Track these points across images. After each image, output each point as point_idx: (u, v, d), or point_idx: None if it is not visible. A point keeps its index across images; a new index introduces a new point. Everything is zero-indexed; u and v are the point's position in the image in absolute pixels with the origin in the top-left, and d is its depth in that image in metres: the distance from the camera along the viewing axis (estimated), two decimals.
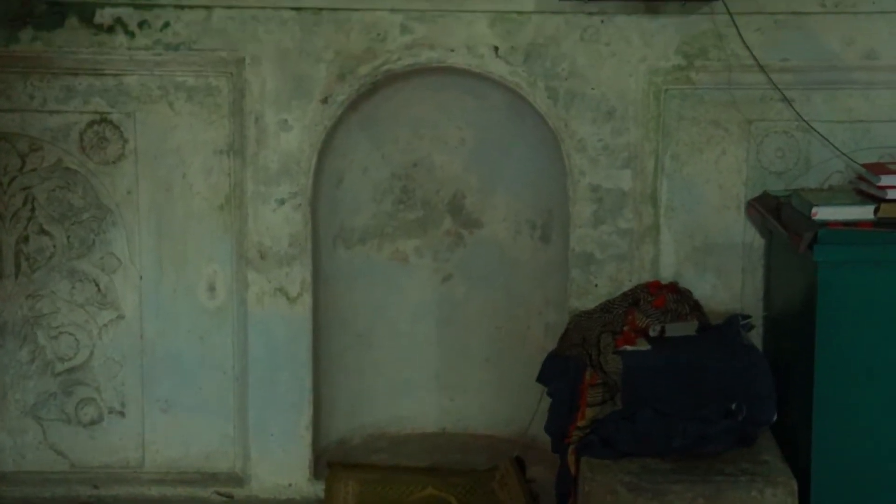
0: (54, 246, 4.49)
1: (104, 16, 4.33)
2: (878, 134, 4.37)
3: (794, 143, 4.42)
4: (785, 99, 4.34)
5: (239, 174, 4.46)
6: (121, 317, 4.55)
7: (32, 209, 4.46)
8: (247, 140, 4.44)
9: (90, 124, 4.41)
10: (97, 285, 4.53)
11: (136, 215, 4.48)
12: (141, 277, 4.53)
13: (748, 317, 4.30)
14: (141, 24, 4.34)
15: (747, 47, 4.29)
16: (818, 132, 4.35)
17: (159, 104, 4.41)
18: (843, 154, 4.34)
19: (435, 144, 4.77)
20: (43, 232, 4.48)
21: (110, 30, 4.34)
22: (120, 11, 4.33)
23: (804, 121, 4.34)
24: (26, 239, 4.49)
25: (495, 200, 4.83)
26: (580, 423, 3.95)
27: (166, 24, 4.35)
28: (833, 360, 3.75)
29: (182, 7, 4.34)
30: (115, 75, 4.38)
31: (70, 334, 4.56)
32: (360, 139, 4.68)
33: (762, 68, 4.31)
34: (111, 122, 4.42)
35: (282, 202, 4.47)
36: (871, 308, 3.77)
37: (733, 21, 4.26)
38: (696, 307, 4.33)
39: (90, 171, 4.45)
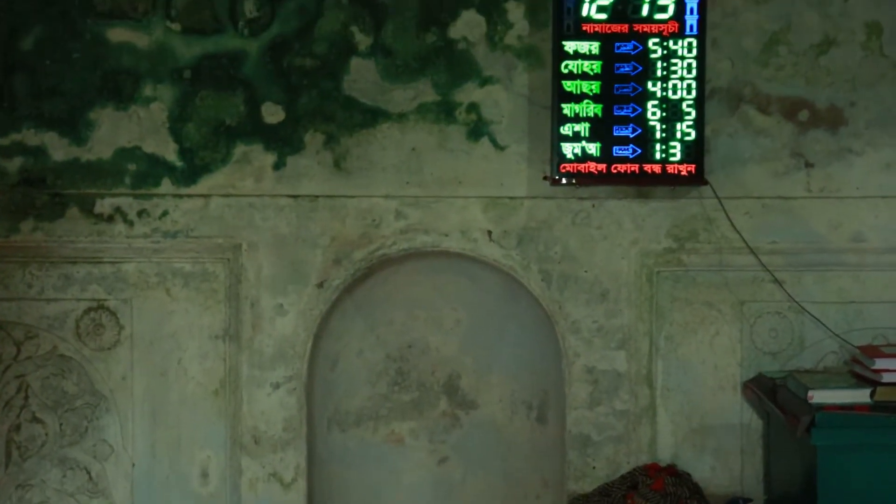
0: (46, 434, 4.46)
1: (104, 206, 4.42)
2: (871, 315, 4.41)
3: (787, 323, 4.45)
4: (776, 280, 4.39)
5: (234, 359, 4.47)
6: None
7: (26, 397, 4.45)
8: (242, 325, 4.46)
9: (87, 311, 4.44)
10: (88, 473, 4.47)
11: (129, 401, 4.47)
12: (133, 465, 4.48)
13: (749, 500, 4.24)
14: (140, 213, 4.43)
15: (736, 230, 4.38)
16: (810, 313, 4.39)
17: (156, 290, 4.46)
18: (837, 335, 4.37)
19: (430, 326, 4.79)
20: (35, 420, 4.46)
21: (110, 219, 4.43)
22: (120, 201, 4.42)
23: (796, 302, 4.39)
24: (18, 427, 4.46)
25: (491, 381, 4.82)
26: None
27: (165, 213, 4.43)
28: None
29: (181, 196, 4.43)
30: (114, 263, 4.45)
31: None
32: (355, 322, 4.71)
33: (752, 251, 4.38)
34: (108, 309, 4.45)
35: (277, 386, 4.47)
36: (871, 492, 3.75)
37: (721, 205, 4.36)
38: (695, 490, 4.27)
39: (85, 357, 4.45)
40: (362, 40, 4.41)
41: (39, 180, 4.39)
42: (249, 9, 4.39)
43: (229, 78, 4.41)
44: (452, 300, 4.76)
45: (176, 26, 4.39)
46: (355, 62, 4.41)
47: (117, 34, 4.39)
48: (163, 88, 4.41)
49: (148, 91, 4.40)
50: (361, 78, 4.42)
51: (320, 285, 4.47)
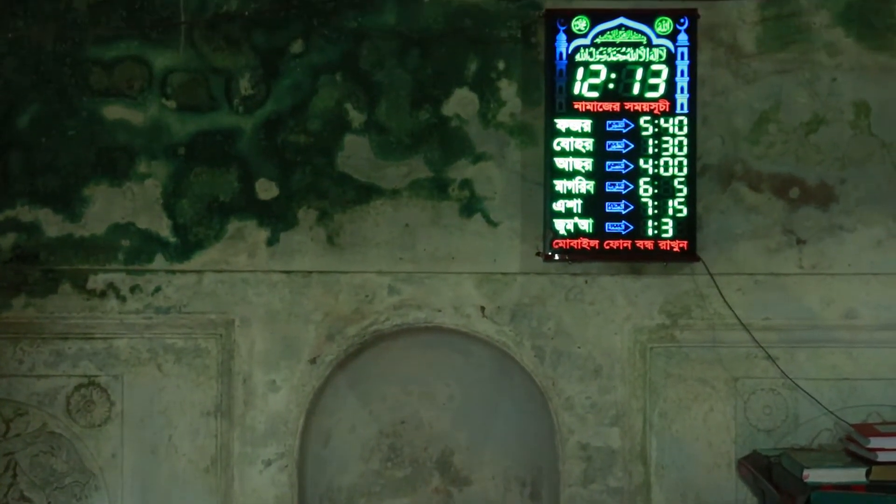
0: None
1: (97, 281, 4.42)
2: (864, 392, 4.40)
3: (781, 400, 4.43)
4: (769, 357, 4.39)
5: (226, 435, 4.44)
6: None
7: (14, 475, 4.40)
8: (234, 401, 4.44)
9: (77, 388, 4.42)
10: None
11: (119, 479, 4.43)
12: None
13: None
14: (133, 289, 4.42)
15: (729, 306, 4.38)
16: (804, 390, 4.38)
17: (148, 366, 4.44)
18: (831, 412, 4.36)
19: (423, 401, 4.77)
20: (23, 499, 4.40)
21: (102, 295, 4.42)
22: (112, 277, 4.42)
23: (789, 378, 4.39)
24: None
25: (484, 457, 4.79)
26: None
27: (157, 289, 4.43)
28: None
29: (174, 272, 4.43)
30: (105, 339, 4.43)
31: None
32: (347, 397, 4.68)
33: (745, 327, 4.39)
34: (99, 386, 4.42)
35: (268, 463, 4.43)
36: None
37: (714, 281, 4.37)
38: None
39: (75, 434, 4.42)
40: (356, 117, 4.44)
41: (32, 256, 4.39)
42: (244, 86, 4.44)
43: (223, 154, 4.43)
44: (445, 376, 4.75)
45: (171, 104, 4.43)
46: (349, 139, 4.45)
47: (113, 111, 4.42)
48: (157, 165, 4.43)
49: (142, 167, 4.43)
50: (355, 154, 4.45)
51: (313, 361, 4.46)
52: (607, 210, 4.28)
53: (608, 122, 4.28)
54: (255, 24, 4.42)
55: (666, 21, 4.28)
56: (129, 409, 4.43)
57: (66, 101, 4.41)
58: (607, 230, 4.28)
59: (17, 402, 4.41)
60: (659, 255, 4.28)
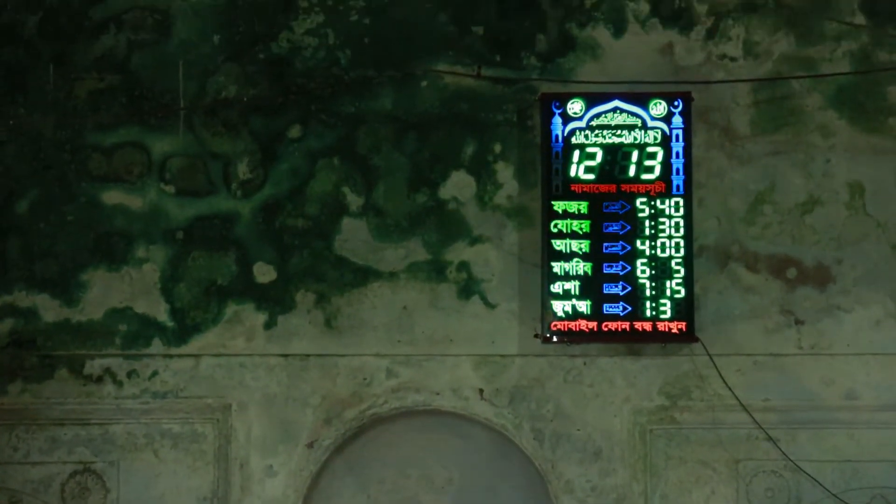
0: None
1: (94, 366, 4.41)
2: (867, 474, 4.36)
3: (783, 483, 4.39)
4: (770, 439, 4.36)
5: None
6: None
7: None
8: (231, 486, 4.40)
9: (73, 474, 4.38)
10: None
11: None
12: None
13: None
14: (129, 374, 4.41)
15: (729, 388, 4.36)
16: (807, 472, 4.34)
17: (144, 452, 4.40)
18: (834, 495, 4.32)
19: (421, 485, 4.71)
20: None
21: (99, 380, 4.40)
22: (109, 362, 4.41)
23: (791, 461, 4.35)
24: None
25: None
26: None
27: (154, 373, 4.41)
28: None
29: (171, 356, 4.42)
30: (101, 424, 4.40)
31: None
32: (345, 482, 4.63)
33: (745, 408, 4.36)
34: (94, 472, 4.38)
35: None
36: None
37: (713, 362, 4.35)
38: None
39: None
40: (354, 201, 4.47)
41: (29, 342, 4.39)
42: (243, 171, 4.47)
43: (221, 238, 4.45)
44: (444, 459, 4.70)
45: (170, 188, 4.46)
46: (347, 222, 4.47)
47: (112, 197, 4.45)
48: (155, 249, 4.44)
49: (140, 252, 4.44)
50: (353, 237, 4.46)
51: (310, 445, 4.43)
52: (605, 291, 4.30)
53: (605, 203, 4.32)
54: (254, 109, 4.47)
55: (660, 103, 4.33)
56: (125, 495, 4.39)
57: (66, 186, 4.44)
58: (605, 311, 4.29)
59: (12, 489, 4.36)
60: (657, 337, 4.29)
